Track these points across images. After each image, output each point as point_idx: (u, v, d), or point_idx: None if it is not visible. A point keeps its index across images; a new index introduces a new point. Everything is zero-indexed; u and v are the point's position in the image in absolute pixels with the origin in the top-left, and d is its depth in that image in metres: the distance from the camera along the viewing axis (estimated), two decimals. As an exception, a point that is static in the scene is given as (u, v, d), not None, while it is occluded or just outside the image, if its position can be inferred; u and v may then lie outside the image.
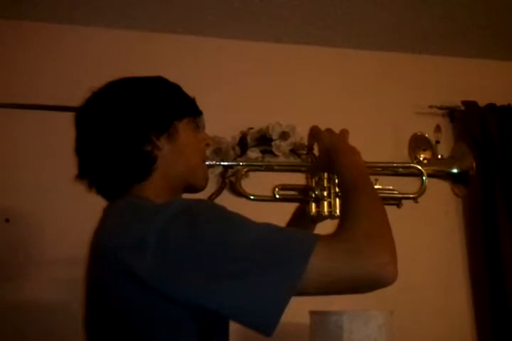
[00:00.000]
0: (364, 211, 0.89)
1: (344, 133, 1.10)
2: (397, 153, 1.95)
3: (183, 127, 1.05)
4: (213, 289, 0.81)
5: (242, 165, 1.20)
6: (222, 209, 0.89)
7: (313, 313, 1.81)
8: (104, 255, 0.89)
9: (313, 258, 0.80)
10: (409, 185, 1.21)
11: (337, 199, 1.12)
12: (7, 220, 1.96)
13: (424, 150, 1.35)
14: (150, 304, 0.85)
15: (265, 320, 0.80)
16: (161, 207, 0.88)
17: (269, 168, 1.26)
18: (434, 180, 1.21)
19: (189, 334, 0.89)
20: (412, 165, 1.20)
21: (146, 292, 0.84)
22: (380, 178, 1.12)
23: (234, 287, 0.80)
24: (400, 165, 1.21)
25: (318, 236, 0.85)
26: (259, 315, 0.80)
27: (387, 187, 1.17)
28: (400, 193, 1.18)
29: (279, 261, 0.81)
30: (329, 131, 1.10)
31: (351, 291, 0.86)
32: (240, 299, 0.80)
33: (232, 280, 0.81)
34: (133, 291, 0.85)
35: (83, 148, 1.03)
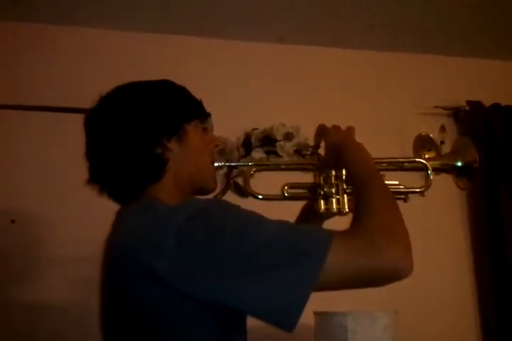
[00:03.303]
0: (377, 205, 0.91)
1: (350, 130, 1.11)
2: (402, 154, 1.94)
3: (192, 129, 1.06)
4: (233, 287, 0.82)
5: (251, 165, 1.21)
6: (237, 208, 0.90)
7: (317, 314, 1.80)
8: (121, 256, 0.90)
9: (330, 254, 0.81)
10: (415, 179, 1.22)
11: (345, 196, 1.13)
12: (13, 221, 1.97)
13: (429, 150, 1.36)
14: (169, 303, 0.86)
15: (286, 317, 0.81)
16: (177, 208, 0.89)
17: (277, 167, 1.26)
18: (439, 174, 1.22)
19: (208, 333, 0.89)
20: (416, 159, 1.22)
21: (165, 291, 0.85)
22: (386, 174, 1.12)
23: (253, 284, 0.81)
24: (405, 160, 1.23)
25: (334, 232, 0.86)
26: (280, 312, 0.81)
27: (393, 182, 1.17)
28: (405, 188, 1.19)
29: (297, 257, 0.82)
30: (336, 128, 1.12)
31: (369, 285, 0.87)
32: (260, 296, 0.81)
33: (252, 278, 0.81)
34: (152, 291, 0.86)
35: (94, 153, 1.04)
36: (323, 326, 1.78)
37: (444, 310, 2.20)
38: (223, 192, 2.14)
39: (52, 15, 2.10)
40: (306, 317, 1.78)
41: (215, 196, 2.07)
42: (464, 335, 2.24)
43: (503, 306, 2.23)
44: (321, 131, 1.14)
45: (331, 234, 0.85)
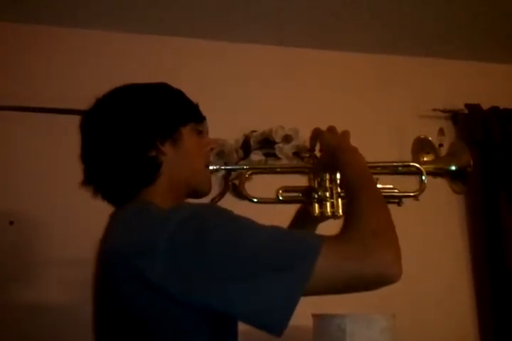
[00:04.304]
0: (368, 209, 0.91)
1: (346, 133, 1.11)
2: (401, 156, 1.93)
3: (187, 132, 1.06)
4: (223, 291, 0.82)
5: (246, 168, 1.21)
6: (229, 213, 0.90)
7: (315, 316, 1.81)
8: (113, 260, 0.90)
9: (320, 259, 0.82)
10: (410, 183, 1.22)
11: (339, 200, 1.13)
12: (11, 223, 1.97)
13: (428, 153, 1.35)
14: (160, 306, 0.86)
15: (275, 321, 0.81)
16: (170, 212, 0.89)
17: (273, 171, 1.27)
18: (436, 178, 1.22)
19: (200, 337, 0.90)
20: (411, 163, 1.22)
21: (157, 294, 0.85)
22: (380, 177, 1.13)
23: (243, 289, 0.82)
24: (399, 164, 1.23)
25: (324, 236, 0.86)
26: (268, 317, 0.81)
27: (388, 186, 1.18)
28: (400, 192, 1.19)
29: (287, 262, 0.82)
30: (331, 130, 1.12)
31: (359, 289, 0.88)
32: (249, 301, 0.82)
33: (242, 283, 0.82)
34: (143, 295, 0.86)
35: (89, 155, 1.04)
36: (322, 328, 1.79)
37: (442, 314, 2.20)
38: (221, 194, 2.14)
39: (52, 16, 2.10)
40: (305, 319, 1.80)
41: (214, 198, 2.07)
42: (462, 339, 2.23)
43: (501, 310, 2.23)
44: (316, 135, 1.14)
45: (322, 238, 0.85)
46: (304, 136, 2.16)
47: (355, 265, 0.82)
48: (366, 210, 0.90)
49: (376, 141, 2.21)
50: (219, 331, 0.92)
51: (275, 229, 0.88)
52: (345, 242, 0.85)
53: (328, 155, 1.09)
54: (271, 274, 0.81)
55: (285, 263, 0.82)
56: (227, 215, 0.89)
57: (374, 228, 0.86)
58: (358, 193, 0.95)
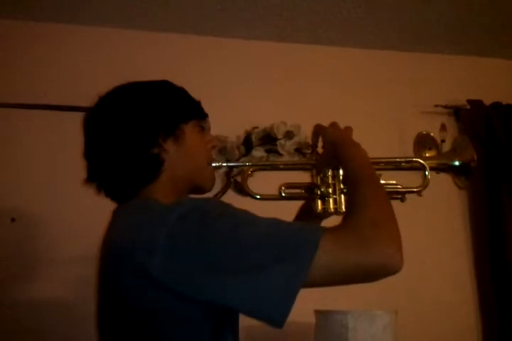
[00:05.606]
0: (370, 201, 0.91)
1: (348, 129, 1.11)
2: (402, 152, 1.94)
3: (190, 130, 1.07)
4: (223, 284, 0.82)
5: (248, 165, 1.21)
6: (229, 207, 0.90)
7: (318, 312, 1.81)
8: (116, 255, 0.91)
9: (320, 250, 0.82)
10: (411, 179, 1.21)
11: (342, 196, 1.13)
12: (13, 220, 1.97)
13: (430, 149, 1.35)
14: (163, 303, 0.87)
15: (275, 313, 0.81)
16: (171, 207, 0.90)
17: (275, 167, 1.27)
18: (439, 173, 1.22)
19: (201, 333, 0.90)
20: (414, 159, 1.21)
21: (159, 291, 0.85)
22: (383, 173, 1.12)
23: (243, 281, 0.82)
24: (402, 159, 1.22)
25: (324, 228, 0.86)
26: (269, 308, 0.81)
27: (391, 181, 1.17)
28: (403, 187, 1.19)
29: (286, 254, 0.82)
30: (334, 126, 1.12)
31: (359, 281, 0.88)
32: (249, 293, 0.82)
33: (242, 275, 0.82)
34: (146, 290, 0.87)
35: (92, 153, 1.05)
36: (324, 324, 1.79)
37: (444, 310, 2.20)
38: (223, 190, 2.14)
39: (52, 13, 2.10)
40: (307, 315, 1.80)
41: (216, 194, 2.07)
42: (464, 335, 2.24)
43: (504, 306, 2.23)
44: (318, 130, 1.14)
45: (322, 229, 0.85)
46: (306, 132, 2.16)
47: (355, 255, 0.82)
48: (367, 202, 0.91)
49: (377, 137, 2.20)
50: (220, 325, 0.92)
51: (275, 221, 0.88)
52: (345, 233, 0.85)
53: (330, 150, 1.09)
54: (271, 266, 0.81)
55: (285, 255, 0.82)
56: (227, 209, 0.90)
57: (375, 219, 0.86)
58: (360, 186, 0.95)
